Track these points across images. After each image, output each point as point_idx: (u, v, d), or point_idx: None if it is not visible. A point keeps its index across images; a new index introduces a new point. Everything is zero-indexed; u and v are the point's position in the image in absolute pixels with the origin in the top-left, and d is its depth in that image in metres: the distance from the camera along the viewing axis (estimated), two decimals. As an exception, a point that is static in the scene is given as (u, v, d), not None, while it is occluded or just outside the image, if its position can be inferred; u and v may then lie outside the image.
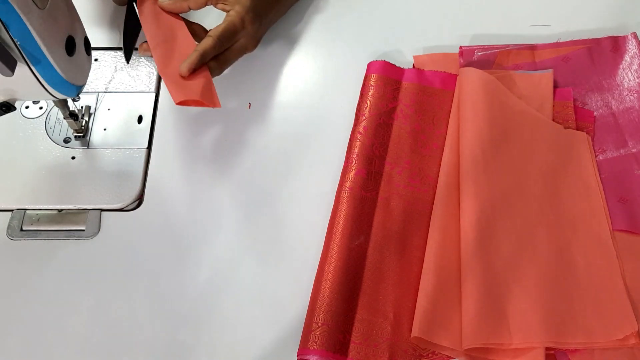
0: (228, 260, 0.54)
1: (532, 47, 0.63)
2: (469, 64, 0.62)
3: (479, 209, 0.52)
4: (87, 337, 0.51)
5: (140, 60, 0.64)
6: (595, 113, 0.60)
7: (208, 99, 0.54)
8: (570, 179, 0.56)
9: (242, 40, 0.59)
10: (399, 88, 0.61)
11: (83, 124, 0.59)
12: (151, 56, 0.57)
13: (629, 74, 0.61)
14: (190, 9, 0.59)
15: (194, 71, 0.55)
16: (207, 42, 0.55)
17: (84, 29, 0.50)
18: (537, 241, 0.52)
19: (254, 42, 0.61)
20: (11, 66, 0.42)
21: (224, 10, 0.59)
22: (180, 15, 0.60)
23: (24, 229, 0.55)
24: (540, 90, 0.60)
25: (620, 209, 0.54)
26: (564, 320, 0.48)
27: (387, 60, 0.62)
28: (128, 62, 0.62)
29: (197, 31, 0.61)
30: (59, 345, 0.50)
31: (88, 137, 0.60)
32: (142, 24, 0.58)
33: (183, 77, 0.54)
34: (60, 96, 0.48)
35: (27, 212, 0.56)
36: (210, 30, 0.57)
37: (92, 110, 0.61)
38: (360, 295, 0.51)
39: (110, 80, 0.63)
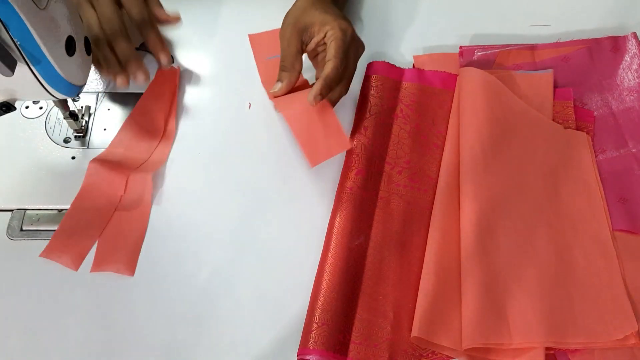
0: (228, 260, 0.54)
1: (532, 47, 0.64)
2: (469, 64, 0.62)
3: (479, 209, 0.52)
4: (87, 337, 0.51)
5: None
6: (595, 113, 0.60)
7: (341, 147, 0.55)
8: (570, 179, 0.56)
9: (353, 48, 0.56)
10: (399, 88, 0.61)
11: (83, 124, 0.59)
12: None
13: (629, 74, 0.61)
14: (300, 73, 0.57)
15: (321, 98, 0.53)
16: (328, 66, 0.53)
17: (84, 29, 0.50)
18: (537, 241, 0.52)
19: (359, 43, 0.58)
20: (11, 66, 0.42)
21: (319, 43, 0.56)
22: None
23: (24, 229, 0.55)
24: (540, 90, 0.60)
25: (620, 209, 0.54)
26: (564, 320, 0.48)
27: (387, 60, 0.62)
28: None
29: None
30: (58, 345, 0.50)
31: (88, 137, 0.60)
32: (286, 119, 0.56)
33: (315, 131, 0.54)
34: (60, 96, 0.48)
35: (27, 212, 0.56)
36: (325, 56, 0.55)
37: (92, 110, 0.61)
38: (360, 295, 0.51)
39: (111, 81, 0.63)
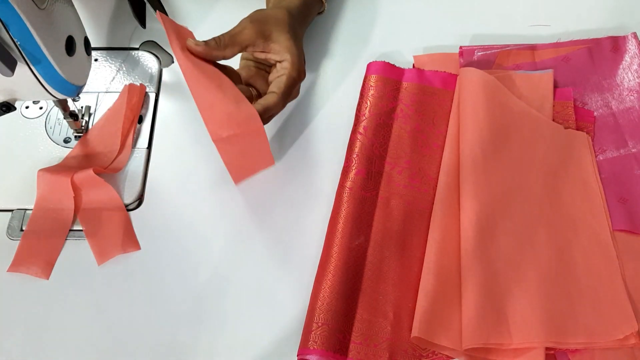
0: (228, 260, 0.54)
1: (532, 47, 0.63)
2: (469, 64, 0.62)
3: (479, 209, 0.52)
4: (87, 337, 0.51)
5: (141, 59, 0.65)
6: (595, 113, 0.60)
7: (266, 163, 0.55)
8: (570, 179, 0.56)
9: (295, 90, 0.56)
10: (399, 88, 0.61)
11: (83, 124, 0.59)
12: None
13: (629, 74, 0.61)
14: (225, 57, 0.52)
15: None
16: (271, 98, 0.52)
17: (84, 29, 0.50)
18: (537, 241, 0.52)
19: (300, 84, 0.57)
20: (11, 66, 0.42)
21: (270, 59, 0.54)
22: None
23: (24, 229, 0.55)
24: (540, 90, 0.60)
25: (620, 209, 0.54)
26: (564, 320, 0.48)
27: (387, 60, 0.62)
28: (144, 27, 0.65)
29: (232, 76, 0.54)
30: (58, 345, 0.50)
31: (88, 137, 0.60)
32: (190, 88, 0.50)
33: (243, 155, 0.52)
34: (60, 96, 0.49)
35: (27, 212, 0.56)
36: (271, 83, 0.54)
37: (92, 110, 0.61)
38: (360, 295, 0.51)
39: (111, 81, 0.63)
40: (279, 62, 0.54)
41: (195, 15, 0.68)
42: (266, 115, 0.52)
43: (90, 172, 0.55)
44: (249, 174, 0.57)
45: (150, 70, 0.64)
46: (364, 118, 0.59)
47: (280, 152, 0.59)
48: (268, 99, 0.52)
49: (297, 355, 0.48)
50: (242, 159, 0.55)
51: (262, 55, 0.55)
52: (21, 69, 0.44)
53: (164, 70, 0.65)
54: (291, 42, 0.54)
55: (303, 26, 0.60)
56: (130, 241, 0.54)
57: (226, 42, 0.51)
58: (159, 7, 0.61)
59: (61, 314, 0.52)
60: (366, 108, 0.60)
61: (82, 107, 0.60)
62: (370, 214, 0.55)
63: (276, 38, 0.53)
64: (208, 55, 0.51)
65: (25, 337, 0.51)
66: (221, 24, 0.54)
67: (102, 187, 0.56)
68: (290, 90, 0.54)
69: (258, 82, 0.56)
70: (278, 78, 0.53)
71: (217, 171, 0.58)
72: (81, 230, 0.55)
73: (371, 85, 0.61)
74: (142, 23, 0.65)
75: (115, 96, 0.61)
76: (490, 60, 0.63)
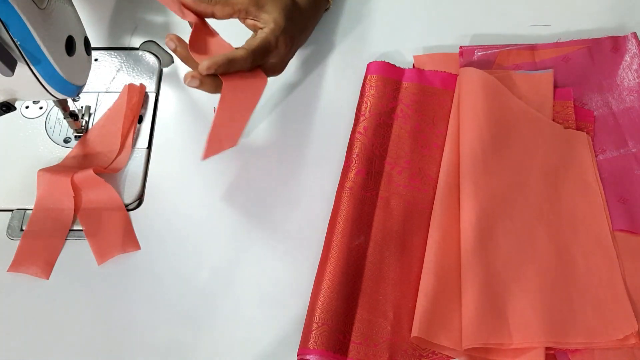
0: (228, 260, 0.54)
1: (532, 47, 0.63)
2: (469, 64, 0.62)
3: (479, 209, 0.52)
4: (87, 337, 0.51)
5: (141, 59, 0.65)
6: (595, 113, 0.60)
7: (232, 143, 0.54)
8: (570, 179, 0.56)
9: (273, 61, 0.55)
10: (399, 88, 0.61)
11: (83, 124, 0.59)
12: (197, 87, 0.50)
13: (629, 74, 0.61)
14: (214, 16, 0.53)
15: (209, 72, 0.49)
16: (238, 51, 0.51)
17: (84, 29, 0.50)
18: (537, 241, 0.52)
19: (283, 65, 0.57)
20: (11, 66, 0.42)
21: (254, 27, 0.54)
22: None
23: (24, 229, 0.55)
24: (540, 90, 0.60)
25: (620, 209, 0.54)
26: (564, 320, 0.48)
27: (387, 60, 0.62)
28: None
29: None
30: (59, 345, 0.50)
31: (88, 137, 0.60)
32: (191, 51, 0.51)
33: (222, 125, 0.51)
34: (60, 96, 0.49)
35: (27, 212, 0.56)
36: (244, 43, 0.53)
37: (92, 110, 0.61)
38: (360, 295, 0.51)
39: (111, 81, 0.63)
40: (262, 29, 0.54)
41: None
42: (230, 68, 0.50)
43: (90, 172, 0.55)
44: (217, 147, 0.53)
45: (150, 70, 0.64)
46: (364, 118, 0.59)
47: (280, 151, 0.59)
48: (235, 52, 0.51)
49: (297, 355, 0.48)
50: (232, 119, 0.52)
51: (248, 23, 0.55)
52: (21, 69, 0.44)
53: (164, 70, 0.65)
54: (281, 17, 0.54)
55: (312, 21, 0.61)
56: (130, 241, 0.54)
57: (218, 0, 0.53)
58: None
59: (61, 314, 0.52)
60: (366, 108, 0.60)
61: (82, 107, 0.60)
62: (370, 214, 0.55)
63: (268, 9, 0.54)
64: (195, 7, 0.52)
65: (25, 337, 0.51)
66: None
67: (102, 187, 0.56)
68: (263, 53, 0.52)
69: None
70: (252, 38, 0.53)
71: (217, 171, 0.58)
72: (81, 230, 0.55)
73: (371, 85, 0.61)
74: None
75: (115, 96, 0.61)
76: (490, 60, 0.63)
